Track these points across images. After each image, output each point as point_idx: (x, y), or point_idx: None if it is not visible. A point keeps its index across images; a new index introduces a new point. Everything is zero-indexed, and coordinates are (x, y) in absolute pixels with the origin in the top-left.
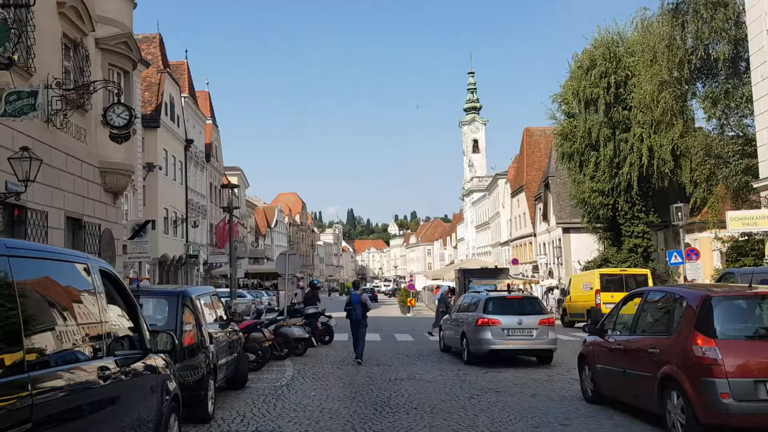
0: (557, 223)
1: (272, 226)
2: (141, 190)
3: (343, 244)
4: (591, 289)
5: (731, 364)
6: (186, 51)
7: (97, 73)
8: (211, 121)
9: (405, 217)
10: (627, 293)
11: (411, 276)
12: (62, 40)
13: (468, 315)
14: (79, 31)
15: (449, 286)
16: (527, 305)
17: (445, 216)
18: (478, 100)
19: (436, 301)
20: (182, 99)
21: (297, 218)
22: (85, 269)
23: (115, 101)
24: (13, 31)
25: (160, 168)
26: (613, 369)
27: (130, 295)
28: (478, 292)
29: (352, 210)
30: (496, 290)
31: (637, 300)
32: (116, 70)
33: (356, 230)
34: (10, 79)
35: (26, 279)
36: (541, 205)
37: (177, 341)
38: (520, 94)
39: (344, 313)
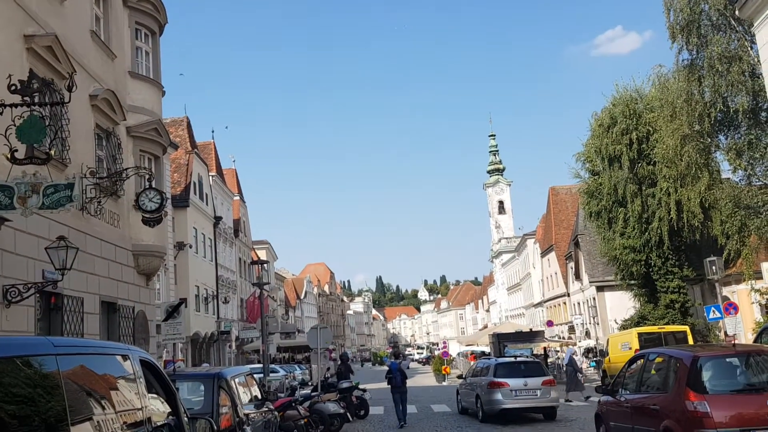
0: (590, 282)
1: (302, 297)
2: (172, 269)
3: (374, 312)
4: (630, 348)
5: (720, 416)
6: (212, 131)
7: (129, 160)
8: (238, 197)
9: (434, 281)
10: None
11: (444, 342)
12: (95, 131)
13: (480, 379)
14: (111, 121)
15: (571, 348)
16: (531, 368)
17: (476, 279)
18: (500, 161)
19: (565, 366)
20: (210, 178)
21: (326, 288)
22: (125, 360)
23: (147, 186)
24: (49, 127)
25: (191, 246)
26: (624, 426)
27: (168, 382)
28: (515, 356)
29: (380, 277)
30: (532, 354)
31: (641, 361)
32: (147, 156)
33: (386, 297)
34: (47, 173)
35: (71, 373)
36: (572, 264)
37: (215, 427)
38: (542, 154)
39: (379, 385)
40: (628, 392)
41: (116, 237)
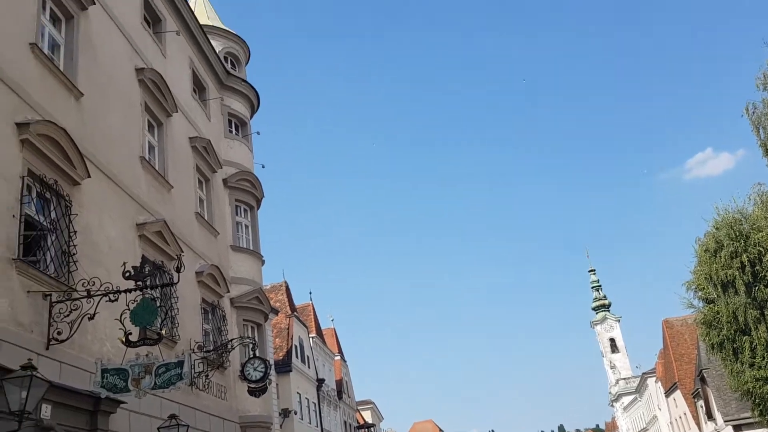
0: (725, 421)
1: None
2: None
3: None
4: None
5: None
6: (310, 292)
7: (233, 330)
8: (339, 357)
9: (552, 431)
10: None
11: None
12: (201, 305)
13: None
14: (216, 294)
15: None
16: None
17: (597, 426)
18: (605, 297)
19: None
20: (310, 339)
21: None
22: None
23: (251, 355)
24: (160, 308)
25: (296, 413)
26: None
27: None
28: None
29: (493, 431)
30: None
31: None
32: (250, 324)
33: None
34: (159, 352)
35: None
36: (701, 402)
37: None
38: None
39: None
40: None
41: (224, 410)
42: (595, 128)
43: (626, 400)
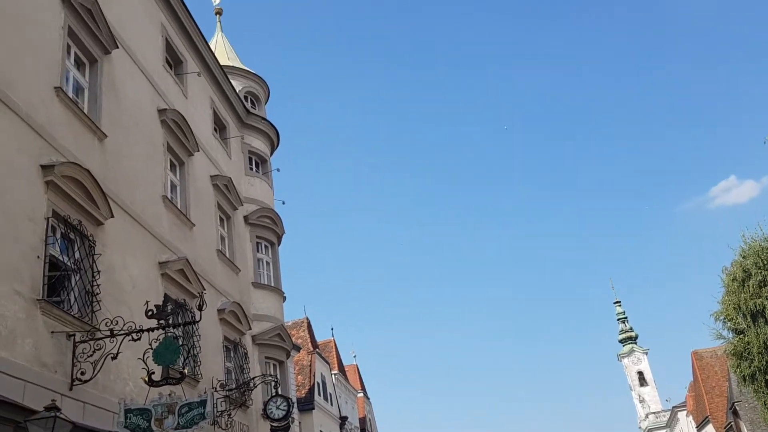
0: None
1: None
2: None
3: None
4: None
5: None
6: (332, 328)
7: (255, 368)
8: (362, 394)
9: None
10: None
11: None
12: (223, 343)
13: None
14: (237, 332)
15: None
16: None
17: None
18: (631, 329)
19: None
20: (333, 376)
21: None
22: None
23: (273, 393)
24: (183, 346)
25: None
26: None
27: None
28: None
29: None
30: None
31: None
32: (272, 362)
33: None
34: (182, 391)
35: None
36: None
37: None
38: (672, 316)
39: None
40: None
41: None
42: (611, 159)
43: None
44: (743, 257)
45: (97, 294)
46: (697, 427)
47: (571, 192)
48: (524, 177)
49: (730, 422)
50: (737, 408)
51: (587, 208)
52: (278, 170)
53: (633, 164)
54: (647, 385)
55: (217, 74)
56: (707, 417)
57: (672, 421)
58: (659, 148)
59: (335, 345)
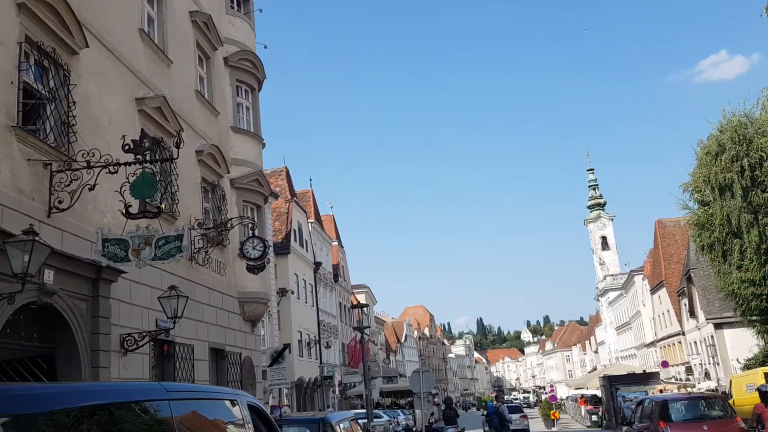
0: (707, 319)
1: (402, 341)
2: (276, 316)
3: (476, 355)
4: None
5: None
6: (310, 179)
7: (233, 210)
8: (336, 243)
9: (537, 322)
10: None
11: (551, 386)
12: (201, 184)
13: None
14: (216, 174)
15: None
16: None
17: (581, 318)
18: (601, 196)
19: None
20: (309, 225)
21: (426, 331)
22: (234, 405)
23: (250, 234)
24: (160, 183)
25: (293, 292)
26: None
27: (275, 427)
28: (630, 399)
29: (481, 319)
30: (647, 396)
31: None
32: (249, 206)
33: (487, 340)
34: (159, 226)
35: (184, 418)
36: (686, 301)
37: None
38: (644, 186)
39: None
40: (637, 423)
41: (223, 285)
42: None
43: (612, 295)
44: (720, 132)
45: (74, 125)
46: (651, 290)
47: (567, 59)
48: (506, 35)
49: (683, 287)
50: (692, 275)
51: (573, 71)
52: (260, 11)
53: (628, 32)
54: (609, 249)
55: None
56: (662, 281)
57: (628, 283)
58: (653, 20)
59: (313, 195)
